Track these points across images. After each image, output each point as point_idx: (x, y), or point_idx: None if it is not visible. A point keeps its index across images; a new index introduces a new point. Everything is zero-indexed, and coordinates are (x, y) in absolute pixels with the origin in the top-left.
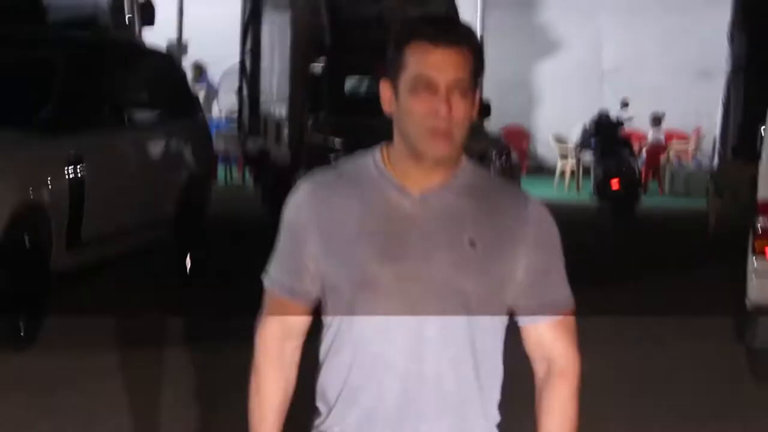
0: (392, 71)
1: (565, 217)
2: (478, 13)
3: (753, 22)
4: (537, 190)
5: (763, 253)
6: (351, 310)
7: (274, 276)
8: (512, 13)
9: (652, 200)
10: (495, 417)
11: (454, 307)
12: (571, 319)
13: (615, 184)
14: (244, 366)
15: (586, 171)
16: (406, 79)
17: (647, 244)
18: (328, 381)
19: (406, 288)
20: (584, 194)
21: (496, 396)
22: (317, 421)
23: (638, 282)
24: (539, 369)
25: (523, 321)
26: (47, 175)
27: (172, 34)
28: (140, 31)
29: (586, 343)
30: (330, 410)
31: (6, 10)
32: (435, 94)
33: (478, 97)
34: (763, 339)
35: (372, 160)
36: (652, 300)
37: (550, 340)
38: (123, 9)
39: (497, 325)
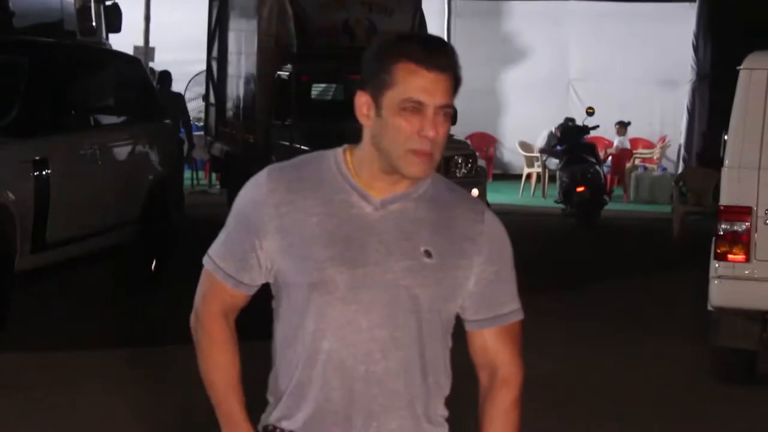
0: (374, 86)
1: (530, 223)
2: (445, 22)
3: (717, 32)
4: (503, 196)
5: (724, 257)
6: (305, 309)
7: (219, 262)
8: (479, 21)
9: (617, 206)
10: (443, 413)
11: (405, 312)
12: (517, 329)
13: (580, 190)
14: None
15: (552, 178)
16: (393, 97)
17: (612, 249)
18: (278, 375)
19: (361, 292)
20: (550, 200)
21: (445, 394)
22: (265, 415)
23: (603, 286)
24: (483, 376)
25: (470, 326)
26: (13, 178)
27: (139, 41)
28: (107, 37)
29: (551, 345)
30: (278, 404)
31: None
32: (423, 116)
33: None
34: (725, 338)
35: (334, 162)
36: (617, 303)
37: (495, 348)
38: (89, 15)
39: (446, 329)
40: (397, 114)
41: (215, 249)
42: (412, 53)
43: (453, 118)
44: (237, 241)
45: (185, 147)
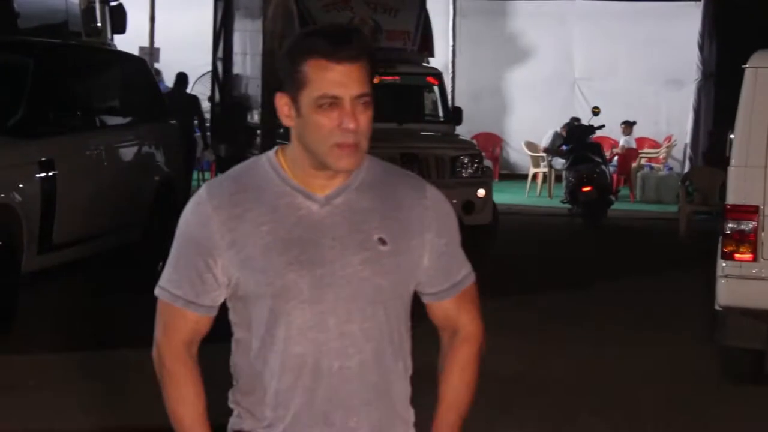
0: (291, 86)
1: (537, 223)
2: (450, 21)
3: (722, 31)
4: (509, 196)
5: (731, 256)
6: (272, 318)
7: (175, 291)
8: (484, 21)
9: (623, 206)
10: (409, 392)
11: (371, 303)
12: (472, 291)
13: (586, 190)
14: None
15: (558, 177)
16: (309, 95)
17: (619, 249)
18: (247, 387)
19: (324, 291)
20: (556, 200)
21: (409, 374)
22: (235, 418)
23: (610, 286)
24: (444, 335)
25: (428, 299)
26: (18, 179)
27: (144, 42)
28: (112, 38)
29: (555, 344)
30: (253, 415)
31: None
32: (341, 110)
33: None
34: (732, 338)
35: (269, 166)
36: (624, 303)
37: (455, 313)
38: (94, 16)
39: (407, 309)
40: (315, 111)
41: (167, 279)
42: (320, 48)
43: (458, 118)
44: (190, 265)
45: (200, 148)
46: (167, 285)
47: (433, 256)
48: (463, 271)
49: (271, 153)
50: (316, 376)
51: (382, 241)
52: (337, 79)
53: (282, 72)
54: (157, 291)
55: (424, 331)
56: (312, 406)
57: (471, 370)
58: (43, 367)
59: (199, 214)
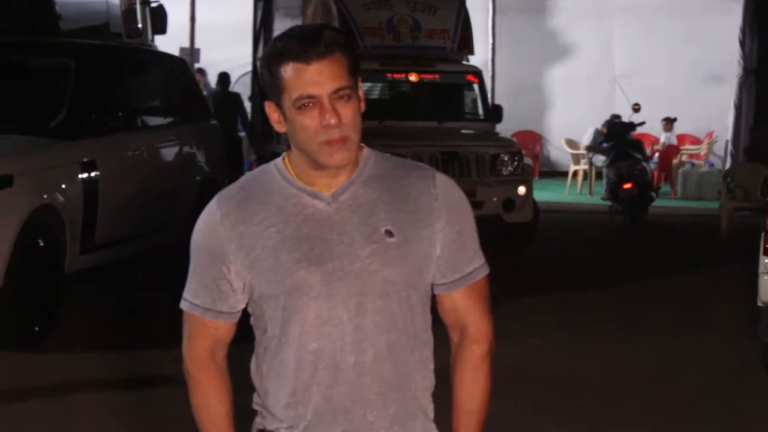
0: (273, 93)
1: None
2: (490, 19)
3: (763, 26)
4: (550, 194)
5: None
6: (286, 316)
7: (194, 300)
8: (524, 18)
9: (664, 203)
10: (432, 384)
11: (382, 296)
12: (483, 285)
13: (627, 187)
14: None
15: (599, 175)
16: (289, 99)
17: (660, 246)
18: (272, 386)
19: (335, 286)
20: (596, 198)
21: (431, 366)
22: (263, 423)
23: (651, 283)
24: (453, 335)
25: (438, 290)
26: (61, 180)
27: (185, 42)
28: (152, 39)
29: (599, 342)
30: (281, 415)
31: (20, 18)
32: (320, 107)
33: (360, 88)
34: None
35: (276, 171)
36: (665, 300)
37: (464, 307)
38: (135, 17)
39: (424, 302)
40: (297, 114)
41: (187, 289)
42: (289, 52)
43: (498, 116)
44: (205, 274)
45: (245, 145)
46: (187, 295)
47: (445, 246)
48: (475, 263)
49: (278, 159)
50: (332, 371)
51: (389, 233)
52: (311, 79)
53: (263, 80)
54: (181, 303)
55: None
56: (330, 402)
57: (484, 370)
58: (83, 367)
59: (209, 222)
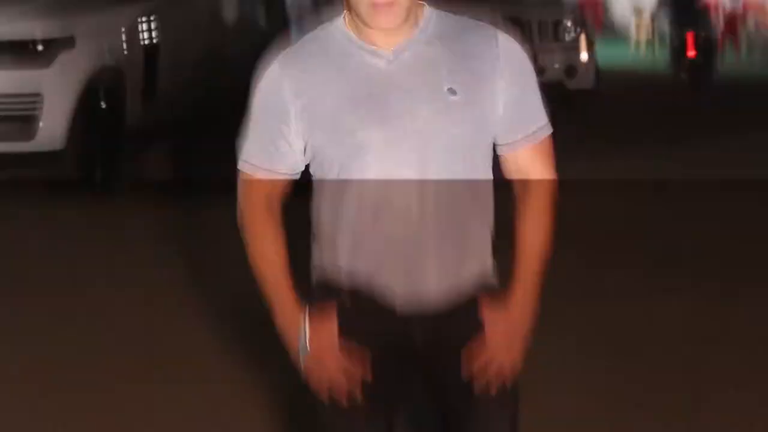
0: None
1: (640, 85)
2: None
3: None
4: (613, 59)
5: None
6: (347, 175)
7: (251, 159)
8: None
9: (729, 69)
10: (490, 241)
11: (445, 152)
12: (547, 143)
13: (692, 53)
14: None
15: (663, 41)
16: None
17: (726, 108)
18: (332, 237)
19: (397, 146)
20: (660, 63)
21: (491, 220)
22: (323, 260)
23: (717, 142)
24: (517, 188)
25: (502, 150)
26: (122, 40)
27: None
28: None
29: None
30: (341, 263)
31: None
32: None
33: None
34: None
35: (336, 29)
36: (730, 158)
37: (529, 164)
38: None
39: (486, 156)
40: None
41: (244, 150)
42: None
43: None
44: (264, 133)
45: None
46: (244, 156)
47: (507, 105)
48: (539, 122)
49: (338, 18)
50: (392, 221)
51: (452, 91)
52: None
53: None
54: (239, 164)
55: None
56: (390, 251)
57: (547, 215)
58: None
59: (269, 82)
